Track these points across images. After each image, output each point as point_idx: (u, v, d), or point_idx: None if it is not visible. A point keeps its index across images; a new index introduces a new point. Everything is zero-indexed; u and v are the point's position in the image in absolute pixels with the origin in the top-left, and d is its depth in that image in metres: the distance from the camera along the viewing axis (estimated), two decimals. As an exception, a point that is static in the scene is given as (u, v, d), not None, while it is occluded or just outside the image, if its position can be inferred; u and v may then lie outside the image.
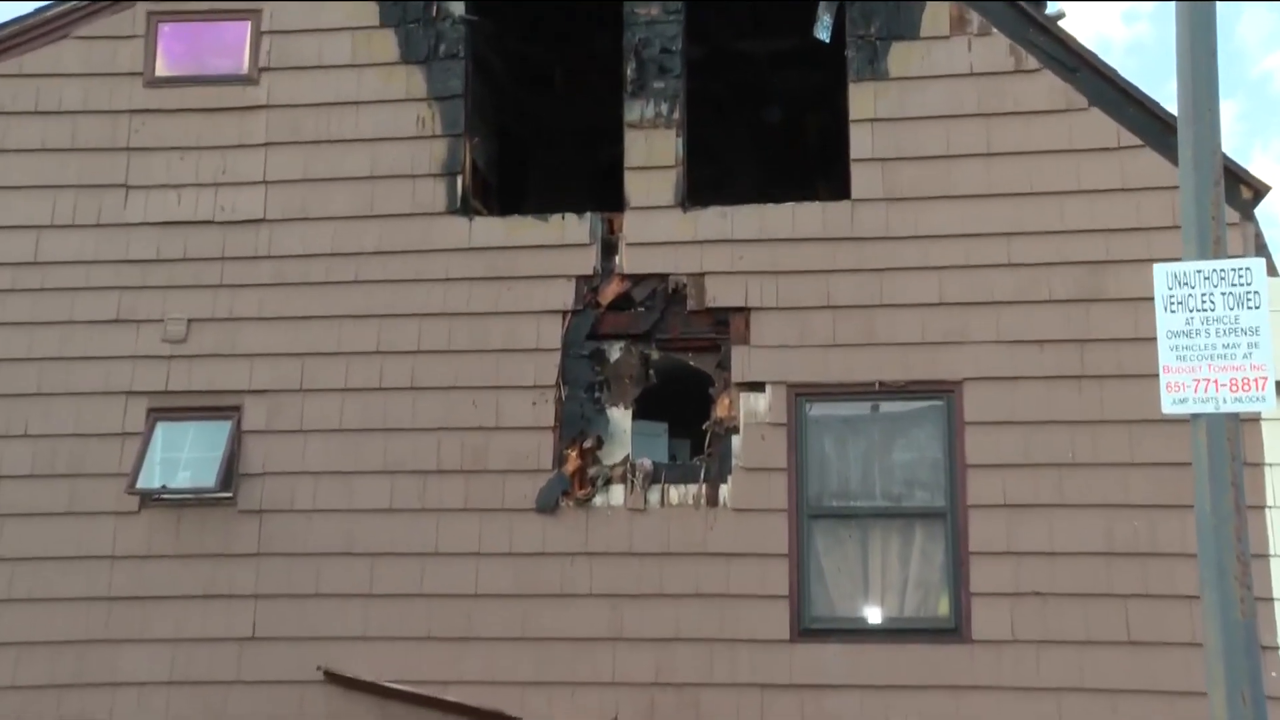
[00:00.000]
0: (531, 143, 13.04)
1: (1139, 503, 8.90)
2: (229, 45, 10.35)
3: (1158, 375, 5.86)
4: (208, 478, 9.54)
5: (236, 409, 9.85)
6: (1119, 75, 9.49)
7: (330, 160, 10.12)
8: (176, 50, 10.38)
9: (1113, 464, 8.97)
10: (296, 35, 10.34)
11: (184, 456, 9.58)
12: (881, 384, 9.32)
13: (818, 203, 9.73)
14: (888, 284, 9.44)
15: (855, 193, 9.61)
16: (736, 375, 9.47)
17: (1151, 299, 5.89)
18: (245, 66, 10.34)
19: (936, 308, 9.38)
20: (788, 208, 9.69)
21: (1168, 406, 5.87)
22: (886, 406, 9.36)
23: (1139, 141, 9.40)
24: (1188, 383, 5.82)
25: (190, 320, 10.02)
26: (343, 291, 9.92)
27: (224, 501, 9.63)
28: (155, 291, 10.10)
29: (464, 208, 9.95)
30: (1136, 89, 9.43)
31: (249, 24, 10.34)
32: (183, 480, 9.53)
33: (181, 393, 9.92)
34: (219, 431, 9.70)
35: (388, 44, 10.24)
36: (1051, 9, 9.91)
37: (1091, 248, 9.31)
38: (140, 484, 9.72)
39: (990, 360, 9.28)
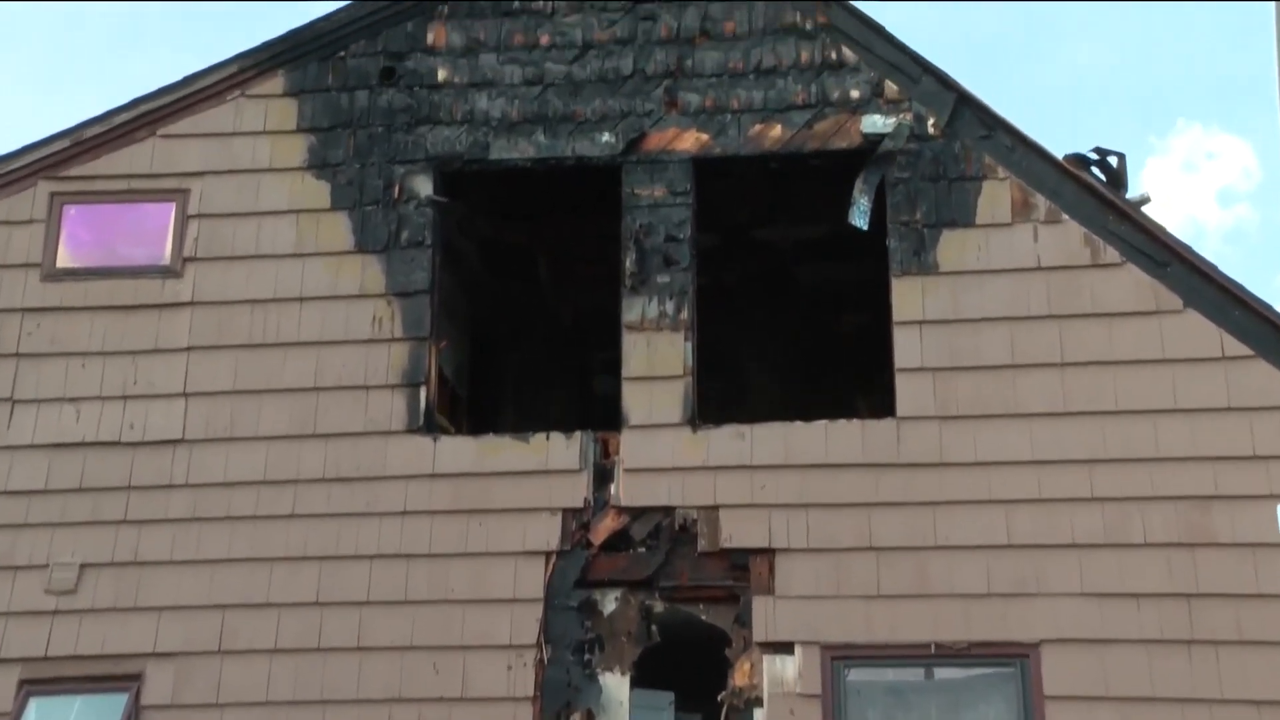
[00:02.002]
0: (510, 345, 13.13)
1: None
2: (148, 231, 10.34)
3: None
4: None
5: (136, 677, 9.52)
6: (1219, 270, 9.44)
7: (266, 367, 10.02)
8: (83, 237, 10.39)
9: (1238, 757, 8.70)
10: (230, 219, 10.35)
11: (64, 742, 9.30)
12: (938, 646, 9.07)
13: (856, 421, 9.67)
14: (943, 521, 9.28)
15: (901, 409, 9.52)
16: (758, 633, 9.26)
17: (1275, 544, 5.24)
18: (167, 256, 10.30)
19: (1004, 550, 9.18)
20: (819, 426, 9.59)
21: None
22: (943, 673, 9.15)
23: (1248, 350, 9.29)
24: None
25: (83, 565, 9.73)
26: (276, 528, 9.73)
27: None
28: (40, 530, 9.85)
29: (428, 425, 9.85)
30: (1241, 287, 9.38)
31: (174, 206, 10.36)
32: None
33: (65, 658, 9.58)
34: (111, 708, 9.33)
35: (340, 229, 10.25)
36: (1133, 194, 9.84)
37: (1195, 479, 9.13)
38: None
39: (1073, 617, 9.03)
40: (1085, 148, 9.86)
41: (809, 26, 10.25)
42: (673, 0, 10.42)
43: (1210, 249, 36.04)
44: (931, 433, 9.42)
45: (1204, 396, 9.22)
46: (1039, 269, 9.60)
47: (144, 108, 10.49)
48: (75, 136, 10.48)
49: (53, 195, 10.47)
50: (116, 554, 9.73)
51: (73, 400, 10.06)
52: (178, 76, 10.56)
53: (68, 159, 10.50)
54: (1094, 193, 9.67)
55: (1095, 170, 9.78)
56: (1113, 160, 9.79)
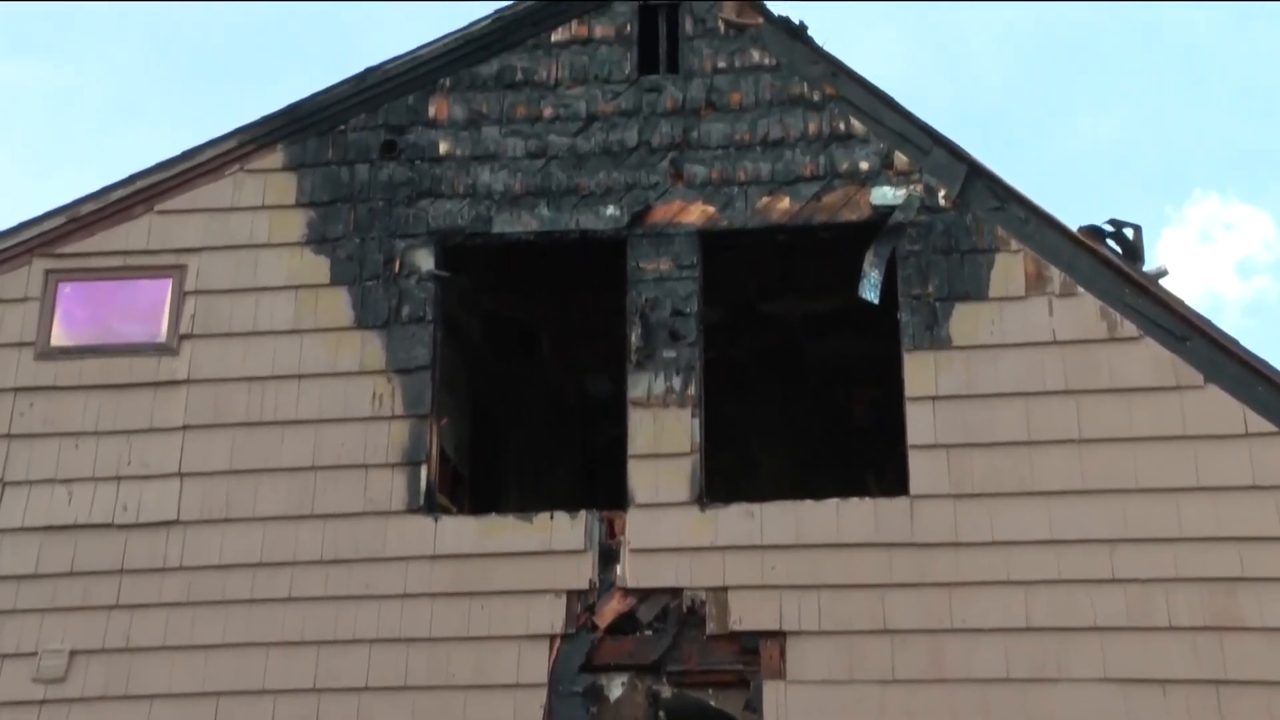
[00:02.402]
0: (513, 422, 13.00)
1: None
2: (144, 308, 10.31)
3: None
4: None
5: (128, 769, 9.42)
6: (1240, 344, 9.39)
7: (263, 447, 9.95)
8: (78, 315, 10.35)
9: None
10: (228, 296, 10.33)
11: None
12: (956, 732, 8.95)
13: (868, 499, 9.59)
14: (959, 603, 9.17)
15: (915, 487, 9.45)
16: (770, 719, 9.11)
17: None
18: (163, 333, 10.27)
19: (1023, 634, 9.06)
20: (830, 505, 9.51)
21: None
22: (963, 761, 8.96)
23: (1272, 427, 9.21)
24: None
25: (73, 652, 9.59)
26: (272, 611, 9.62)
27: None
28: (28, 616, 9.73)
29: (428, 505, 9.79)
30: (1264, 361, 9.31)
31: (170, 282, 10.34)
32: None
33: (52, 754, 9.49)
34: (102, 801, 9.20)
35: (339, 305, 10.21)
36: (1150, 266, 9.82)
37: (1220, 560, 9.02)
38: None
39: (1097, 703, 8.88)
40: (1100, 219, 9.85)
41: (817, 98, 10.26)
42: (678, 72, 10.44)
43: (1230, 322, 36.00)
44: (946, 511, 9.32)
45: (1228, 474, 9.12)
46: (1054, 343, 9.55)
47: (141, 183, 10.49)
48: (71, 213, 10.47)
49: (48, 273, 10.45)
50: (108, 640, 9.61)
51: (65, 481, 9.98)
52: (176, 152, 10.58)
53: (63, 236, 10.49)
54: (1110, 265, 9.63)
55: (1111, 242, 9.73)
56: (1128, 232, 9.76)
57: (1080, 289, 9.61)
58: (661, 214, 10.15)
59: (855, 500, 9.52)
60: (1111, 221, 9.79)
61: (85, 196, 10.49)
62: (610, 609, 9.46)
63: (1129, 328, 9.50)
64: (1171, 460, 9.20)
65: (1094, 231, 9.74)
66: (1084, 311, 9.57)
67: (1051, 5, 31.09)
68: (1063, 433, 9.35)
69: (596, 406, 11.78)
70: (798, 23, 10.42)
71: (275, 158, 10.52)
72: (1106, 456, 9.27)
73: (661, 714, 9.42)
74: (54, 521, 9.90)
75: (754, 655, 9.26)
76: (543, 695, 9.25)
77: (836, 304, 11.18)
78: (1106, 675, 8.88)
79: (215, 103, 33.54)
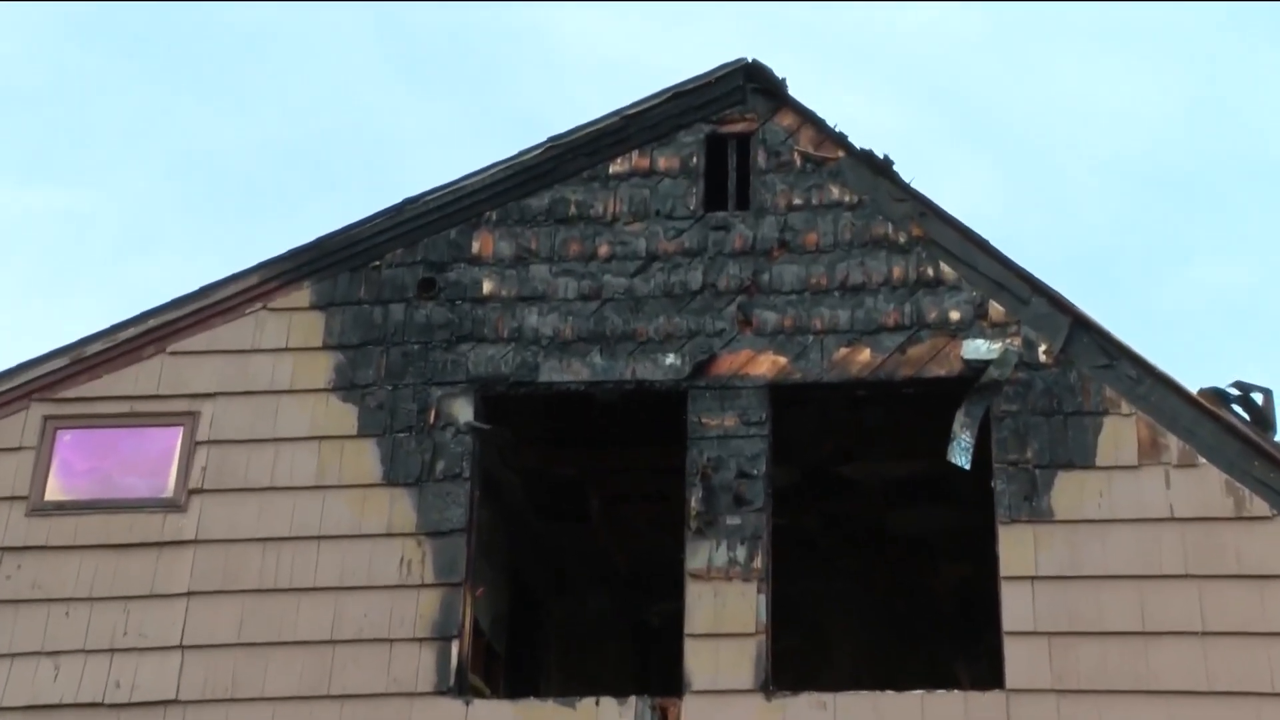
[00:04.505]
0: (556, 594, 13.29)
1: None
2: (151, 459, 10.34)
3: None
4: None
5: None
6: None
7: (276, 617, 9.89)
8: (78, 466, 10.38)
9: None
10: (244, 446, 10.34)
11: None
12: None
13: (957, 691, 9.52)
14: None
15: (1011, 680, 9.31)
16: None
17: None
18: (170, 487, 10.28)
19: None
20: (914, 697, 9.38)
21: None
22: None
23: None
24: None
25: None
26: None
27: None
28: None
29: (459, 686, 9.68)
30: None
31: (181, 430, 10.39)
32: None
33: None
34: None
35: (366, 459, 10.20)
36: None
37: None
38: None
39: None
40: (1224, 380, 9.85)
41: (902, 240, 10.26)
42: (748, 208, 10.45)
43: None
44: (1048, 709, 9.17)
45: (1376, 675, 8.83)
46: (1172, 519, 9.47)
47: (153, 322, 10.54)
48: (75, 354, 10.53)
49: (45, 419, 10.51)
50: (91, 842, 9.41)
51: (51, 654, 9.90)
52: (192, 287, 10.64)
53: (65, 378, 10.55)
54: (1236, 433, 9.56)
55: (1236, 407, 9.74)
56: (1257, 396, 9.75)
57: (1202, 459, 9.55)
58: (727, 364, 10.10)
59: (943, 693, 9.39)
60: (1237, 384, 9.78)
61: (91, 335, 10.59)
62: (665, 818, 9.46)
63: (1259, 505, 9.41)
64: (1312, 658, 8.96)
65: (1217, 395, 9.70)
66: (1207, 485, 9.50)
67: (1163, 138, 30.93)
68: (1183, 623, 9.22)
69: (651, 577, 11.81)
70: (882, 156, 10.47)
71: (301, 295, 10.56)
72: (1235, 652, 9.12)
73: None
74: (37, 700, 9.81)
75: None
76: None
77: (922, 469, 11.26)
78: None
79: (237, 234, 34.04)
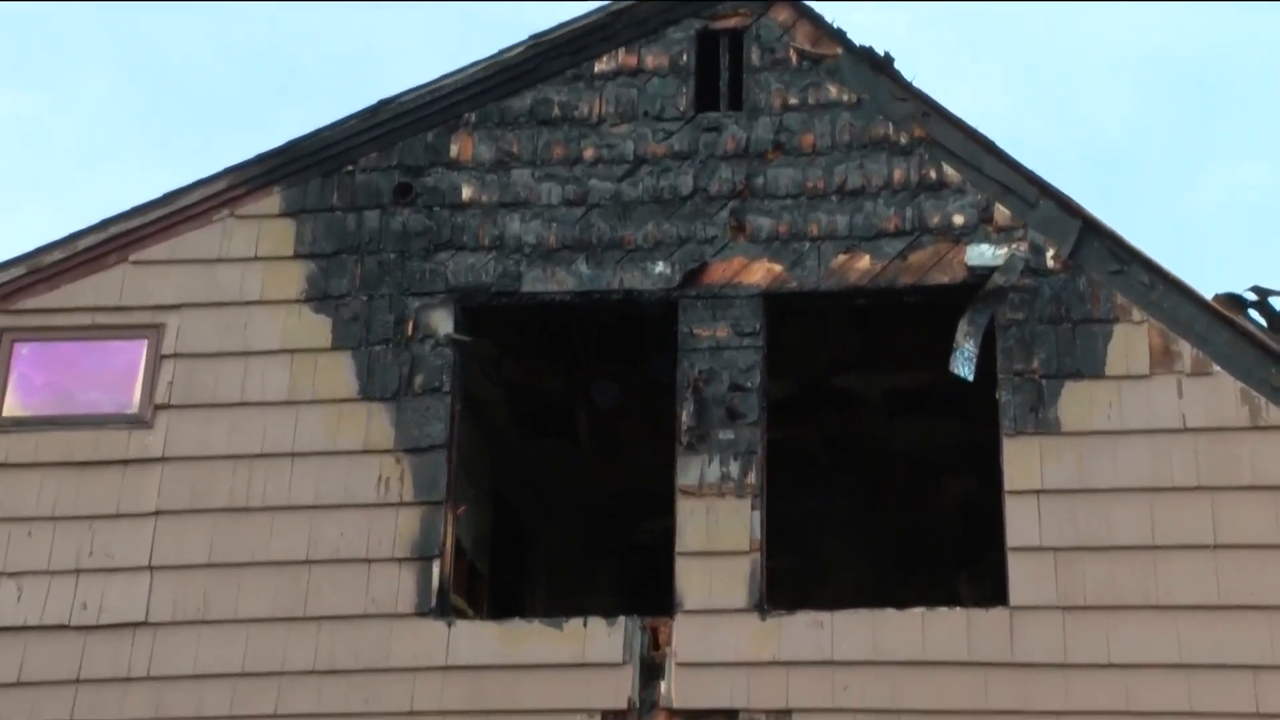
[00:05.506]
0: (542, 513, 13.36)
1: None
2: (114, 373, 10.33)
3: None
4: None
5: None
6: None
7: (249, 536, 9.94)
8: (36, 381, 10.38)
9: None
10: (212, 360, 10.35)
11: None
12: None
13: (959, 609, 9.62)
14: None
15: (1015, 597, 9.38)
16: None
17: None
18: (135, 403, 10.27)
19: None
20: (915, 615, 9.46)
21: None
22: None
23: None
24: None
25: None
26: None
27: None
28: None
29: (441, 607, 9.76)
30: None
31: (145, 344, 10.36)
32: None
33: None
34: None
35: (342, 373, 10.21)
36: None
37: None
38: None
39: None
40: (1241, 286, 9.91)
41: (903, 141, 10.27)
42: (741, 109, 10.42)
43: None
44: (1053, 627, 9.24)
45: (1395, 590, 8.91)
46: (1185, 430, 9.50)
47: (115, 229, 10.51)
48: (33, 263, 10.52)
49: (2, 331, 10.51)
50: (58, 764, 9.48)
51: (14, 575, 9.94)
52: (156, 194, 10.59)
53: (23, 289, 10.54)
54: (1253, 340, 9.59)
55: (1254, 313, 9.81)
56: (1276, 301, 9.84)
57: (1216, 367, 9.59)
58: (719, 272, 10.11)
59: (944, 610, 9.47)
60: (1255, 289, 9.83)
61: (50, 244, 10.54)
62: (653, 734, 9.53)
63: (1276, 414, 9.45)
64: (1327, 572, 8.99)
65: (1233, 300, 9.74)
66: (1221, 394, 9.54)
67: (1182, 38, 30.57)
68: (1195, 537, 9.27)
69: (640, 496, 11.73)
70: (882, 54, 10.44)
71: (271, 202, 10.54)
72: (1248, 566, 9.18)
73: None
74: (0, 622, 9.89)
75: (821, 791, 9.35)
76: (572, 836, 9.34)
77: (924, 380, 11.33)
78: (1247, 829, 8.75)
79: (203, 141, 33.70)
